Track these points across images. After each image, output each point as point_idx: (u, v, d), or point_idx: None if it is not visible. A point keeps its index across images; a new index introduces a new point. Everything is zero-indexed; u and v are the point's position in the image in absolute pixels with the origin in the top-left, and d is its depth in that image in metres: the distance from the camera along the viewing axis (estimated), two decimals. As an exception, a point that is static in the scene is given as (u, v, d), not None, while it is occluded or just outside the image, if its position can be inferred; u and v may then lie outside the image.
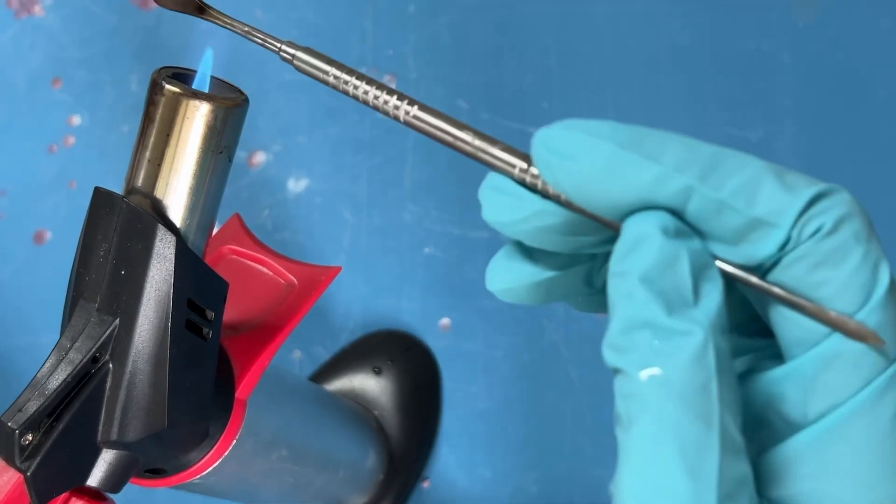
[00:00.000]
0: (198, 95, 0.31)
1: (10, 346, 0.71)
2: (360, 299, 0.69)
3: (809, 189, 0.21)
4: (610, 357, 0.21)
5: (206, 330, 0.34)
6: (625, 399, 0.21)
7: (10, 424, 0.31)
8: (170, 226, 0.32)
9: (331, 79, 0.25)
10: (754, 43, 0.71)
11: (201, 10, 0.29)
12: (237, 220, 0.44)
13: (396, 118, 0.25)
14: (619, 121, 0.22)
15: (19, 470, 0.32)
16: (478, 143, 0.24)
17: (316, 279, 0.42)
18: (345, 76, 0.25)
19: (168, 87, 0.31)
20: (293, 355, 0.68)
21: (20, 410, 0.32)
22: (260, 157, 0.72)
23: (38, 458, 0.32)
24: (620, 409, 0.21)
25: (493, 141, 0.24)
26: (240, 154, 0.72)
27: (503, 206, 0.23)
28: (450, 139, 0.24)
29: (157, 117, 0.31)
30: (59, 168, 0.74)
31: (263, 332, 0.40)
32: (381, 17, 0.74)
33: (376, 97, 0.25)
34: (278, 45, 0.26)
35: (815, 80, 0.70)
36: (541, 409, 0.65)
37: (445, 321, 0.68)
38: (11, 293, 0.72)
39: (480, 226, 0.69)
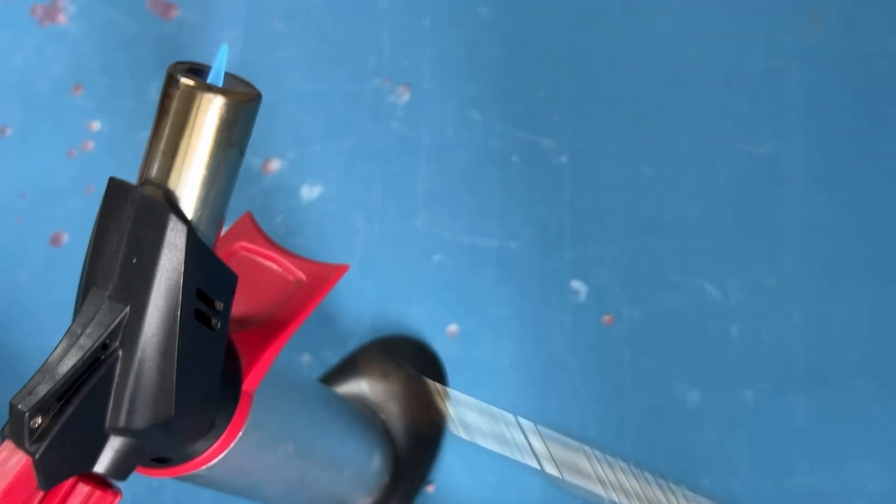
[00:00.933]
0: (212, 89, 0.32)
1: (25, 346, 0.72)
2: (369, 305, 0.69)
3: None
4: None
5: (214, 320, 0.35)
6: None
7: (20, 407, 0.32)
8: (181, 216, 0.33)
9: None
10: (763, 60, 0.71)
11: None
12: (249, 218, 0.44)
13: None
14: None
15: (28, 452, 0.32)
16: None
17: (325, 276, 0.42)
18: None
19: (183, 80, 0.32)
20: (303, 359, 0.68)
21: (30, 393, 0.32)
22: (275, 165, 0.73)
23: (47, 442, 0.32)
24: None
25: None
26: (255, 161, 0.73)
27: None
28: None
29: (172, 110, 0.32)
30: (78, 172, 0.75)
31: (272, 327, 0.41)
32: (397, 29, 0.75)
33: None
34: None
35: (823, 96, 0.70)
36: (545, 417, 0.65)
37: (454, 328, 0.68)
38: (27, 294, 0.73)
39: (490, 234, 0.69)
